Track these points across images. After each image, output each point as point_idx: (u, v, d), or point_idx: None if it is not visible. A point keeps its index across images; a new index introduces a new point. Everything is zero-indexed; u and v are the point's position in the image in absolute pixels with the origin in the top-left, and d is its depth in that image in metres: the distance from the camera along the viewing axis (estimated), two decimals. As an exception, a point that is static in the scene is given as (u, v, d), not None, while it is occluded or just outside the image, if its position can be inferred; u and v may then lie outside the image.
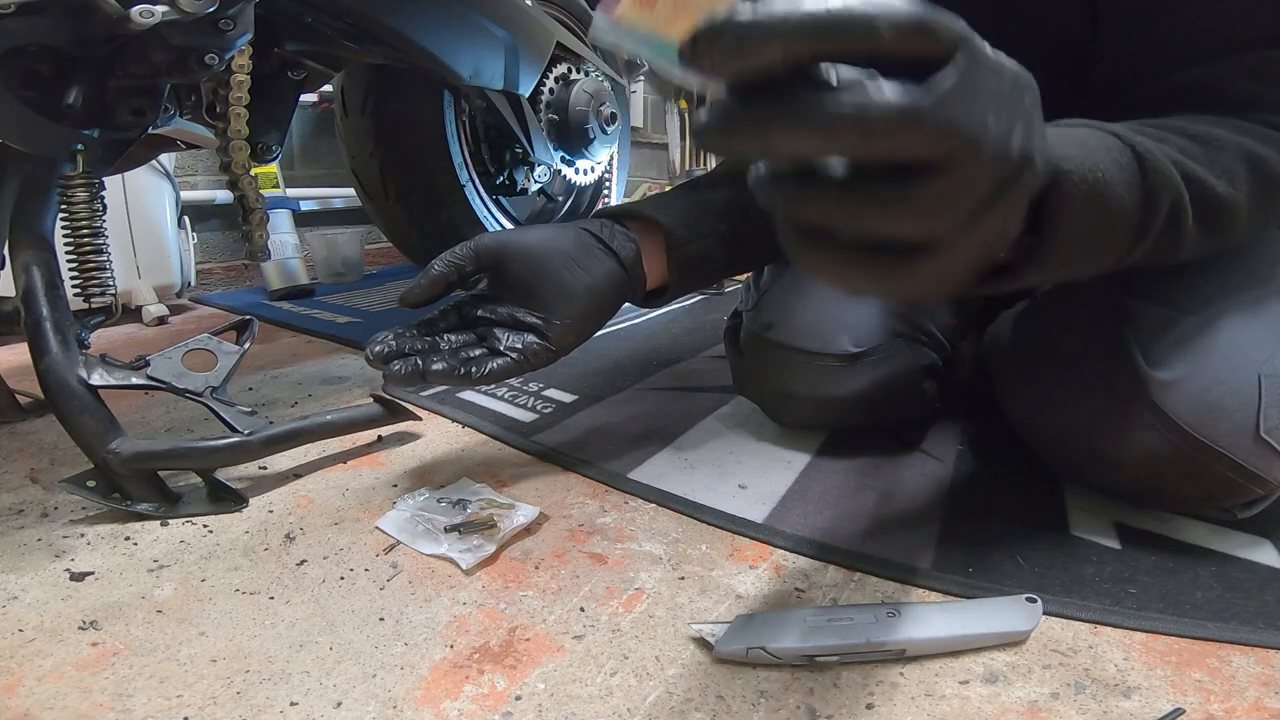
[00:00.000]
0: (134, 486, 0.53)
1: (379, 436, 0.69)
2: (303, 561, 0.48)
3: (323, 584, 0.45)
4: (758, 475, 0.59)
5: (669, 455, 0.63)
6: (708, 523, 0.52)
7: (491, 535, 0.49)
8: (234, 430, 0.57)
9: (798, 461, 0.61)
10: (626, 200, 2.09)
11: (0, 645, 0.39)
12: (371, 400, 0.67)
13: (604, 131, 1.14)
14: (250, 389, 0.85)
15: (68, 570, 0.47)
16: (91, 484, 0.53)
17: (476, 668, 0.38)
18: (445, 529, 0.49)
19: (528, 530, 0.51)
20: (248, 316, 0.69)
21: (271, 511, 0.55)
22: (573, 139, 1.11)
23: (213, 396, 0.60)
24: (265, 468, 0.62)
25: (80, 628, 0.41)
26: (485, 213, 1.08)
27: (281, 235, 1.38)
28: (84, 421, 0.52)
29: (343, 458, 0.64)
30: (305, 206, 1.69)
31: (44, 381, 0.54)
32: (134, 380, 0.56)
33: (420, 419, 0.70)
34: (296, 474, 0.61)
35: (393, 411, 0.67)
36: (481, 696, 0.36)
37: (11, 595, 0.44)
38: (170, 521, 0.53)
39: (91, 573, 0.46)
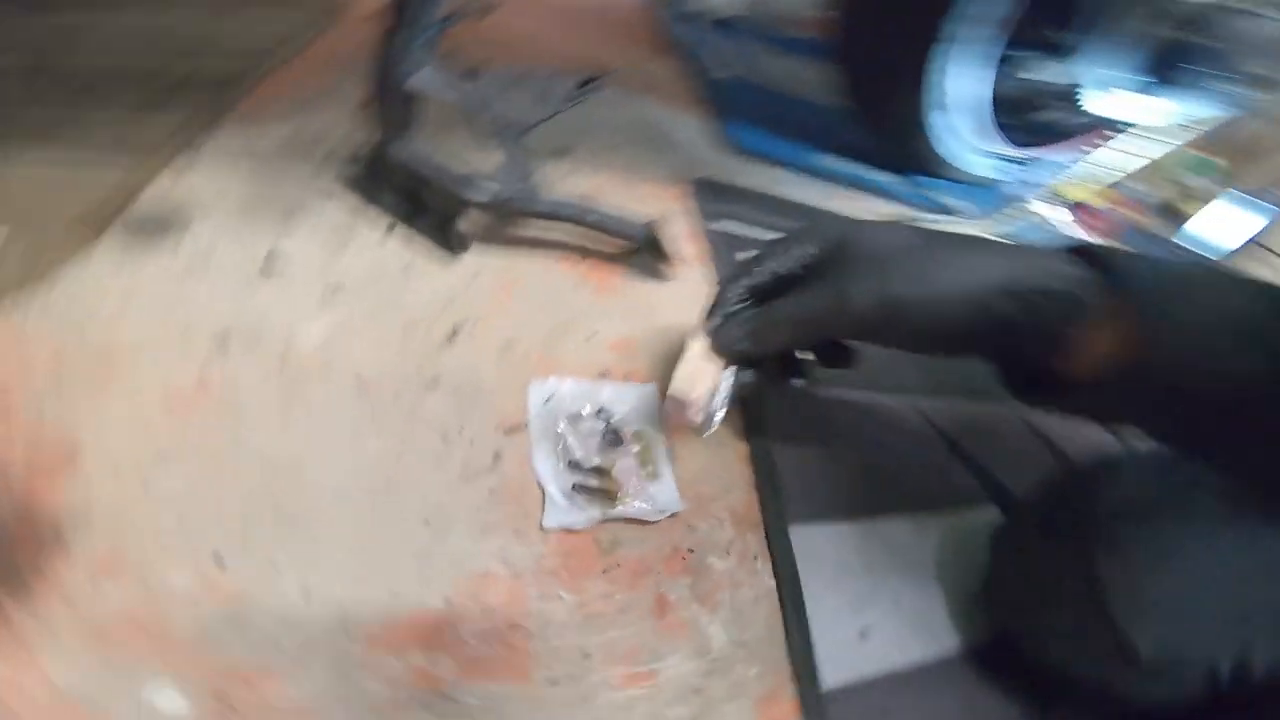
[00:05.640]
0: (390, 184, 0.54)
1: (627, 259, 0.60)
2: (454, 336, 0.48)
3: (449, 394, 0.45)
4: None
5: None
6: None
7: (604, 501, 0.41)
8: (505, 181, 0.52)
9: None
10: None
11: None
12: (647, 225, 0.56)
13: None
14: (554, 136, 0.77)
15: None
16: (358, 168, 0.55)
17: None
18: (568, 462, 0.42)
19: (641, 523, 0.43)
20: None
21: (477, 276, 0.53)
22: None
23: (513, 135, 0.55)
24: (506, 226, 0.58)
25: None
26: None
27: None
28: (386, 111, 0.51)
29: (578, 254, 0.58)
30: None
31: (378, 69, 0.51)
32: (447, 95, 0.52)
33: (673, 276, 0.59)
34: (523, 245, 0.57)
35: (655, 252, 0.57)
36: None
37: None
38: (395, 231, 0.54)
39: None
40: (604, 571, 0.40)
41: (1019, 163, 0.85)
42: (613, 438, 0.44)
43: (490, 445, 0.44)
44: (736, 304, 0.42)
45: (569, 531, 0.41)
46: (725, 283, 0.42)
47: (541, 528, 0.41)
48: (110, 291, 0.44)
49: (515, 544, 0.40)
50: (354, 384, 0.44)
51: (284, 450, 0.40)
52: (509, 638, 0.36)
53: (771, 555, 0.44)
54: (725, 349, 0.42)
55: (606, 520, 0.42)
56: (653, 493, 0.43)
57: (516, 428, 0.45)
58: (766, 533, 0.44)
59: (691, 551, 0.43)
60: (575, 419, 0.45)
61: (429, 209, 0.55)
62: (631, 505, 0.42)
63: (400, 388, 0.45)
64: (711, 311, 0.42)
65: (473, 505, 0.41)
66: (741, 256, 0.48)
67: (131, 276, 0.46)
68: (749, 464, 0.48)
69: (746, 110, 0.87)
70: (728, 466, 0.48)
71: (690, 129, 0.83)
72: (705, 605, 0.41)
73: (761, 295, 0.42)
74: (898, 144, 0.81)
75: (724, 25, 1.08)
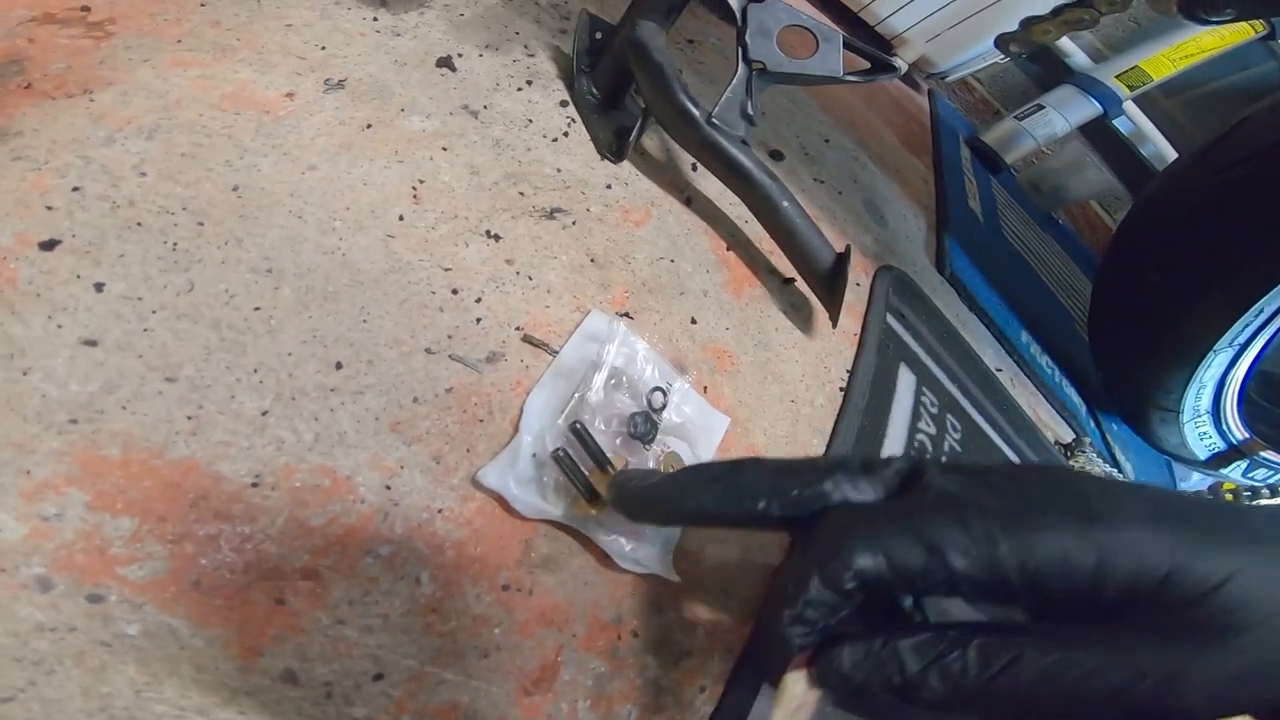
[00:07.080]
0: (609, 58, 0.45)
1: (781, 280, 0.47)
2: (550, 215, 0.35)
3: (499, 258, 0.32)
4: None
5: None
6: None
7: (578, 501, 0.28)
8: (721, 116, 0.42)
9: None
10: None
11: None
12: (840, 254, 0.44)
13: None
14: (765, 114, 0.67)
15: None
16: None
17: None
18: (573, 424, 0.29)
19: (600, 558, 0.29)
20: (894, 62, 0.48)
21: (615, 187, 0.42)
22: None
23: (764, 77, 0.44)
24: (682, 164, 0.48)
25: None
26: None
27: None
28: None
29: (731, 237, 0.46)
30: None
31: None
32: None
33: (813, 329, 0.46)
34: (683, 193, 0.46)
35: (827, 289, 0.44)
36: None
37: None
38: (576, 124, 0.44)
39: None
40: (504, 588, 0.27)
41: (1247, 456, 0.68)
42: (644, 427, 0.31)
43: (496, 338, 0.32)
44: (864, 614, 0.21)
45: (502, 505, 0.28)
46: (835, 559, 0.19)
47: (474, 479, 0.28)
48: None
49: (420, 475, 0.27)
50: (416, 182, 0.34)
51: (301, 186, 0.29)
52: (288, 585, 0.23)
53: (720, 702, 0.29)
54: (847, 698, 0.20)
55: (561, 525, 0.28)
56: (644, 533, 0.29)
57: (540, 344, 0.32)
58: (734, 672, 0.30)
59: (635, 636, 0.29)
60: (619, 381, 0.32)
61: (624, 104, 0.47)
62: (605, 529, 0.28)
63: (461, 214, 0.34)
64: (806, 610, 0.20)
65: (412, 386, 0.28)
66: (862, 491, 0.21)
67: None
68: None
69: (975, 247, 0.74)
70: (751, 569, 0.33)
71: (907, 221, 0.71)
72: (597, 710, 0.27)
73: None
74: (1116, 393, 0.67)
75: (994, 166, 0.96)
